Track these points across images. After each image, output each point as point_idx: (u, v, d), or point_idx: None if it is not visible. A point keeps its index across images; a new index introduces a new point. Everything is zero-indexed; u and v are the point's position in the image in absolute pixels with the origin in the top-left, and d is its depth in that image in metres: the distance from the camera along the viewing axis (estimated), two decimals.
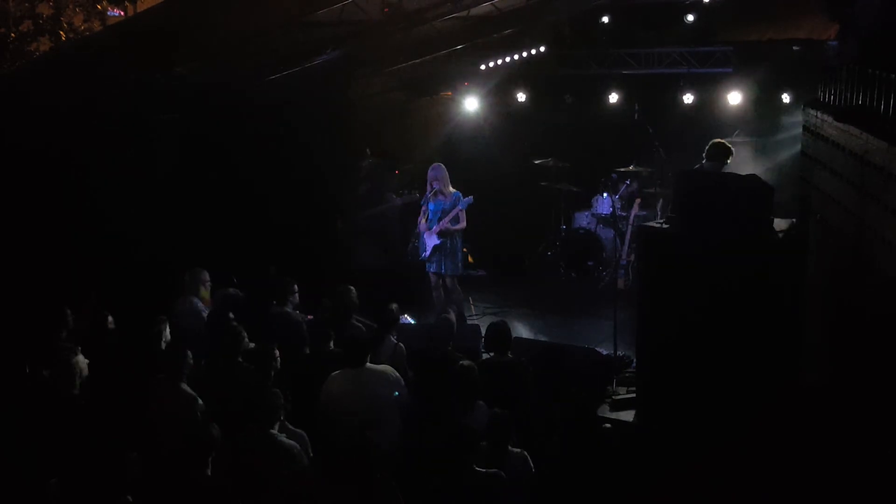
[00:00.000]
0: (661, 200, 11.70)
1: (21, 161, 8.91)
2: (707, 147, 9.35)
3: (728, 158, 9.25)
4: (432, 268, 10.39)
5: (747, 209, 7.30)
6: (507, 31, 11.77)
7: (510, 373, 7.24)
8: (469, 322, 10.43)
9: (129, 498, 5.35)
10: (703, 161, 9.51)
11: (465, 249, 10.70)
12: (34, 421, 6.38)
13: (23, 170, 8.99)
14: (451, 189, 10.29)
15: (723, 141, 9.42)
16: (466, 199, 10.19)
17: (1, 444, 6.15)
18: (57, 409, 6.53)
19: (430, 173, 10.33)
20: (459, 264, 10.44)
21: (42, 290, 8.55)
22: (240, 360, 7.10)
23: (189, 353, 6.85)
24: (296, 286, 8.57)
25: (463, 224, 10.27)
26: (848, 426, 6.62)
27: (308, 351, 7.76)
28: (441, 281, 10.47)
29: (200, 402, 6.62)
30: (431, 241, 10.25)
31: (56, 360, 6.85)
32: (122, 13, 12.85)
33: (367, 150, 12.05)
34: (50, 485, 5.56)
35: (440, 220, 10.20)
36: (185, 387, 6.65)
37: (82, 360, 6.91)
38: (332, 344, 7.52)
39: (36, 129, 8.78)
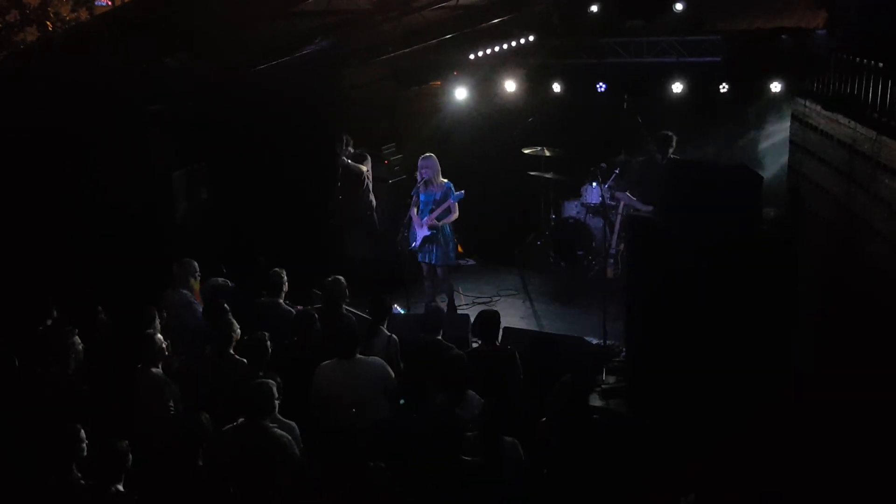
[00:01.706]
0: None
1: (10, 152, 8.89)
2: (657, 136, 9.91)
3: (669, 148, 9.77)
4: (423, 258, 10.40)
5: (736, 198, 7.32)
6: (495, 21, 11.75)
7: (497, 362, 7.25)
8: (458, 312, 10.45)
9: (120, 487, 5.36)
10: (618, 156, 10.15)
11: (455, 239, 10.68)
12: (28, 407, 6.41)
13: (12, 161, 8.97)
14: (443, 180, 10.30)
15: (666, 132, 9.92)
16: (458, 193, 10.19)
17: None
18: (50, 392, 6.54)
19: (420, 163, 10.33)
20: (451, 254, 10.46)
21: (32, 281, 8.54)
22: (231, 351, 7.11)
23: (162, 339, 6.88)
24: (285, 277, 8.58)
25: (455, 215, 10.29)
26: (839, 414, 6.65)
27: (296, 341, 7.75)
28: (432, 271, 10.49)
29: (174, 388, 6.65)
30: (422, 231, 10.25)
31: (53, 341, 6.86)
32: (109, 2, 12.79)
33: (346, 137, 11.95)
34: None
35: (431, 210, 10.21)
36: (155, 371, 6.68)
37: (78, 342, 6.91)
38: (318, 333, 7.52)
39: (26, 118, 8.75)
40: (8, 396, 6.59)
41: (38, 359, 6.91)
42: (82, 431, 5.59)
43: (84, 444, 5.58)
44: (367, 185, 12.10)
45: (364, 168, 12.10)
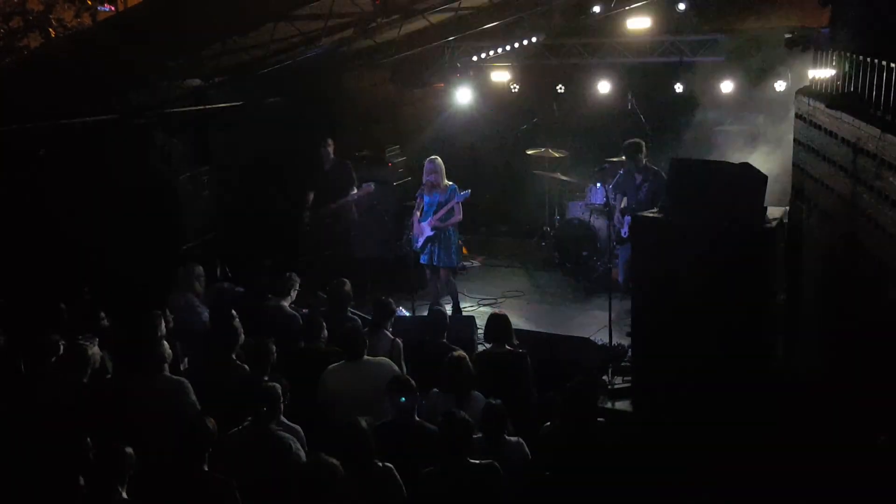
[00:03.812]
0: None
1: (15, 156, 8.91)
2: (624, 146, 10.02)
3: (640, 155, 9.90)
4: (426, 259, 10.38)
5: (740, 197, 7.31)
6: (498, 22, 11.73)
7: (509, 364, 7.24)
8: (464, 313, 10.45)
9: (124, 495, 5.36)
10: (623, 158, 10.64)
11: (459, 241, 10.68)
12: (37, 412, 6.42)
13: (18, 166, 8.99)
14: (447, 182, 10.29)
15: (634, 140, 10.01)
16: (463, 192, 10.19)
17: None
18: (65, 398, 6.55)
19: (426, 166, 10.32)
20: (454, 256, 10.44)
21: (36, 286, 8.55)
22: (234, 356, 7.10)
23: (167, 345, 6.87)
24: (298, 281, 8.61)
25: (458, 217, 10.28)
26: (843, 412, 6.63)
27: (303, 345, 7.76)
28: (435, 272, 10.47)
29: (193, 394, 6.64)
30: (425, 232, 10.25)
31: (71, 350, 6.87)
32: (113, 8, 12.80)
33: (329, 140, 11.68)
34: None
35: (435, 212, 10.20)
36: (166, 375, 6.67)
37: (97, 352, 6.91)
38: (325, 337, 7.52)
39: (30, 124, 8.77)
40: (14, 401, 6.61)
41: (54, 365, 6.93)
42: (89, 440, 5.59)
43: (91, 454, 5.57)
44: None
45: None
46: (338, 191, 11.56)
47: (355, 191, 11.60)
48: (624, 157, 10.75)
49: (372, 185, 11.67)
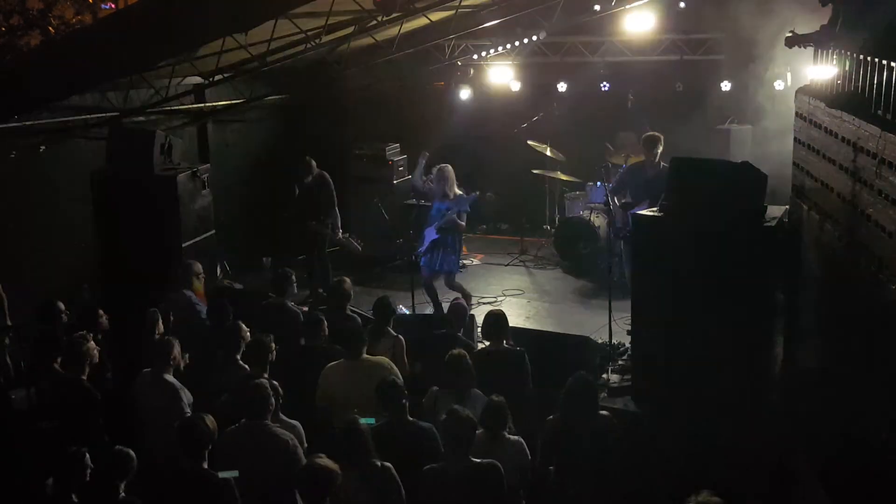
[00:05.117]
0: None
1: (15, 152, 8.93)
2: (643, 137, 10.09)
3: (657, 149, 9.91)
4: (425, 261, 10.32)
5: (740, 196, 7.31)
6: (499, 21, 11.74)
7: (507, 361, 7.25)
8: None
9: (123, 494, 5.37)
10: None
11: (460, 244, 10.65)
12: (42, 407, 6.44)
13: (17, 162, 9.00)
14: (458, 191, 10.25)
15: (652, 133, 10.00)
16: (470, 196, 10.19)
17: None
18: (66, 393, 6.56)
19: (434, 174, 10.29)
20: (455, 261, 10.40)
21: (38, 282, 8.57)
22: (239, 356, 7.09)
23: (176, 343, 6.87)
24: (294, 278, 8.60)
25: (462, 225, 10.26)
26: (843, 412, 6.64)
27: (303, 342, 7.75)
28: (435, 277, 10.41)
29: (188, 393, 6.64)
30: (430, 236, 10.23)
31: (69, 345, 6.88)
32: (113, 6, 12.81)
33: (312, 161, 11.21)
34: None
35: (443, 217, 10.18)
36: (168, 378, 6.67)
37: (93, 347, 6.93)
38: (325, 335, 7.52)
39: (30, 121, 8.78)
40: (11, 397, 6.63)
41: (54, 361, 6.93)
42: (87, 456, 5.56)
43: (88, 470, 5.55)
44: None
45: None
46: (320, 204, 11.30)
47: (337, 213, 11.39)
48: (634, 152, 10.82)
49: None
